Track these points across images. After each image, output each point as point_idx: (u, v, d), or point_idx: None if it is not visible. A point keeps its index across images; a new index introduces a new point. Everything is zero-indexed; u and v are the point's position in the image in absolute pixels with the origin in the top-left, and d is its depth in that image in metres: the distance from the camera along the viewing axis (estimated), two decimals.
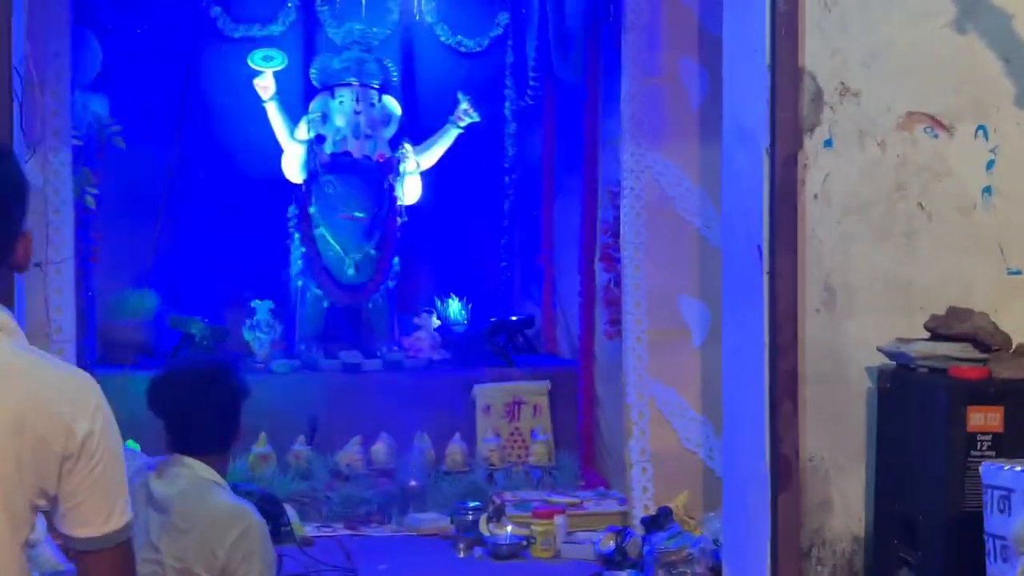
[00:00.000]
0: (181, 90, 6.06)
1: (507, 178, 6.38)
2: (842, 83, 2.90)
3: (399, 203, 5.50)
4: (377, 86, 5.66)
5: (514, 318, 5.94)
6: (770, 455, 2.89)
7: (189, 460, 2.38)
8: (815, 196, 2.91)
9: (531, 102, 6.14)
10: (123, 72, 5.81)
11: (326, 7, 6.24)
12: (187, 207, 6.03)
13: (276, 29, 6.18)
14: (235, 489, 2.47)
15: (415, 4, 6.21)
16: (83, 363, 5.04)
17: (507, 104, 6.38)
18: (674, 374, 4.06)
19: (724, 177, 3.29)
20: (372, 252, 5.28)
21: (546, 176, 6.04)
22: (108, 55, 5.66)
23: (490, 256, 6.28)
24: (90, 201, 4.34)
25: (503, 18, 6.42)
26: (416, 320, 5.59)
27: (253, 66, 5.59)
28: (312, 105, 5.61)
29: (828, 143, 2.89)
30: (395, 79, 5.80)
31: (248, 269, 5.86)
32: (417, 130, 6.06)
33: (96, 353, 5.30)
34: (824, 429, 2.85)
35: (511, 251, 6.38)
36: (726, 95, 3.26)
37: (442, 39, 6.35)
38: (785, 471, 2.87)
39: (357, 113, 5.53)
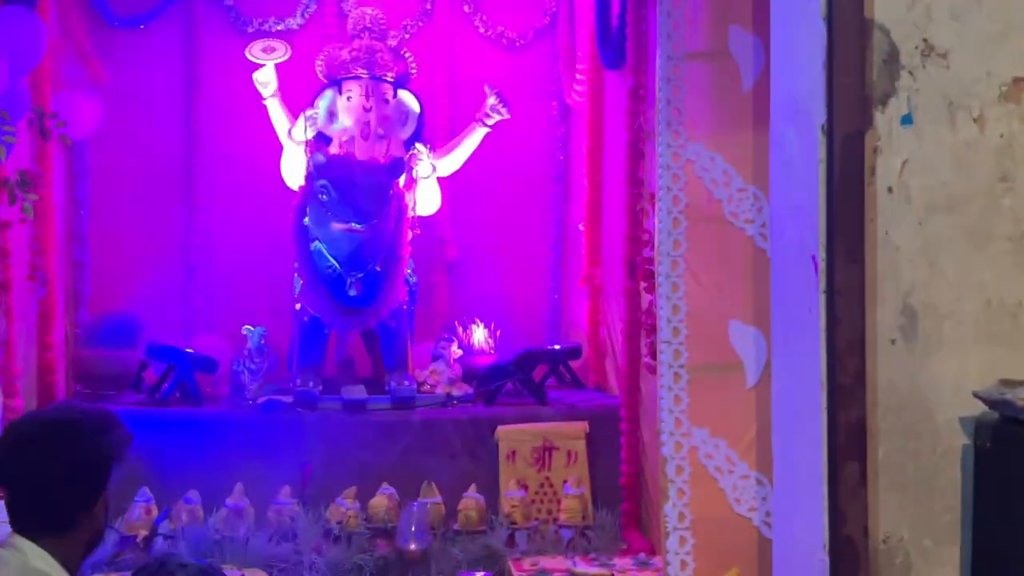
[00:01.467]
0: (185, 91, 5.94)
1: (553, 186, 6.17)
2: (925, 40, 2.46)
3: (411, 213, 5.16)
4: (391, 79, 5.34)
5: (557, 347, 5.62)
6: (830, 534, 2.45)
7: (21, 542, 1.99)
8: (889, 189, 2.46)
9: (579, 99, 5.73)
10: (121, 72, 5.68)
11: None
12: (188, 219, 5.90)
13: (295, 23, 5.98)
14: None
15: None
16: (48, 399, 4.78)
17: (554, 102, 6.16)
18: (722, 420, 3.57)
19: (772, 167, 2.82)
20: (377, 270, 4.92)
21: (592, 181, 5.62)
22: (105, 54, 5.50)
23: (525, 275, 6.04)
24: (28, 210, 3.96)
25: (550, 6, 6.16)
26: (433, 350, 5.26)
27: (251, 58, 5.29)
28: (318, 102, 5.32)
29: (906, 119, 2.46)
30: (414, 71, 5.49)
31: (252, 290, 5.68)
32: (448, 133, 5.87)
33: (66, 388, 5.09)
34: (902, 500, 2.44)
35: (555, 268, 6.13)
36: (774, 60, 2.81)
37: (480, 30, 6.15)
38: (850, 556, 2.43)
39: (367, 110, 5.22)
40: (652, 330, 4.07)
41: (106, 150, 5.69)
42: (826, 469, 2.44)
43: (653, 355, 4.08)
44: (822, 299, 2.48)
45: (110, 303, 5.51)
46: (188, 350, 5.01)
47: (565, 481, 4.72)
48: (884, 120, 2.44)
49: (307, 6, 5.99)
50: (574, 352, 5.55)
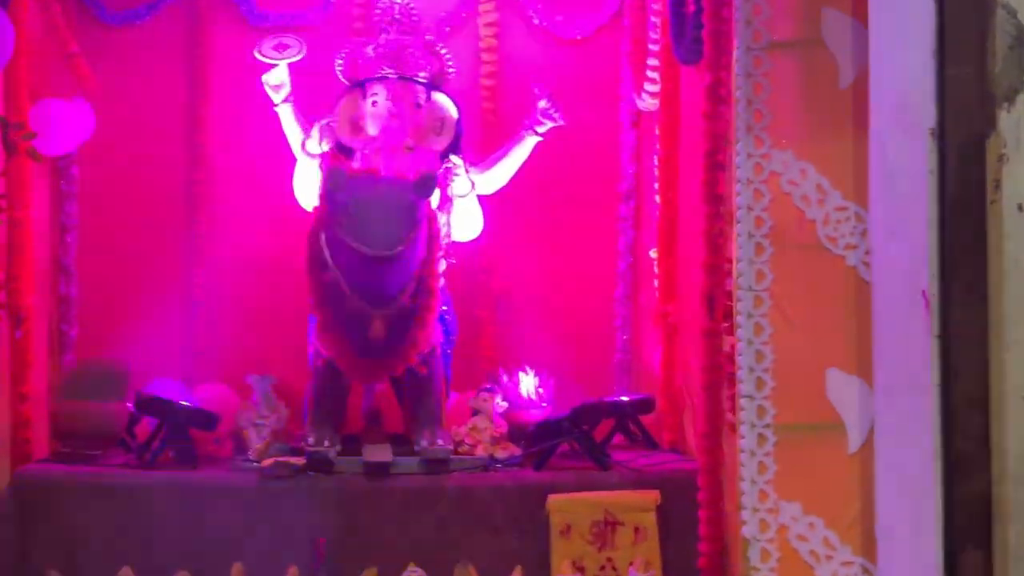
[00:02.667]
0: (189, 97, 6.03)
1: (623, 205, 6.15)
2: None
3: (446, 238, 5.14)
4: (424, 80, 5.33)
5: (623, 398, 5.56)
6: None
7: None
8: (1019, 207, 2.40)
9: (650, 101, 5.69)
10: (116, 76, 5.78)
11: None
12: (191, 247, 5.97)
13: (314, 16, 6.09)
14: None
15: None
16: (23, 457, 4.81)
17: (621, 105, 6.14)
18: (818, 493, 3.51)
19: (872, 181, 2.71)
20: (405, 305, 4.88)
21: (666, 199, 5.57)
22: (96, 55, 5.58)
23: (585, 311, 6.00)
24: None
25: None
26: (472, 402, 5.18)
27: (261, 58, 5.35)
28: (337, 108, 5.35)
29: None
30: (451, 71, 5.49)
31: (263, 330, 5.75)
32: (492, 142, 5.86)
33: (48, 446, 5.13)
34: None
35: (622, 304, 6.10)
36: (874, 49, 2.75)
37: (534, 20, 6.17)
38: None
39: (394, 117, 5.21)
40: (735, 380, 3.97)
41: (97, 167, 5.77)
42: (941, 557, 2.38)
43: (736, 412, 3.99)
44: (935, 345, 2.45)
45: (99, 346, 5.54)
46: (182, 403, 5.00)
47: (631, 563, 4.67)
48: (1010, 122, 2.37)
49: None
50: (644, 405, 5.50)
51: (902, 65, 2.51)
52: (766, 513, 3.52)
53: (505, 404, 5.23)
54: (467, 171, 5.30)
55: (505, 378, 5.46)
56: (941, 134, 2.41)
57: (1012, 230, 2.39)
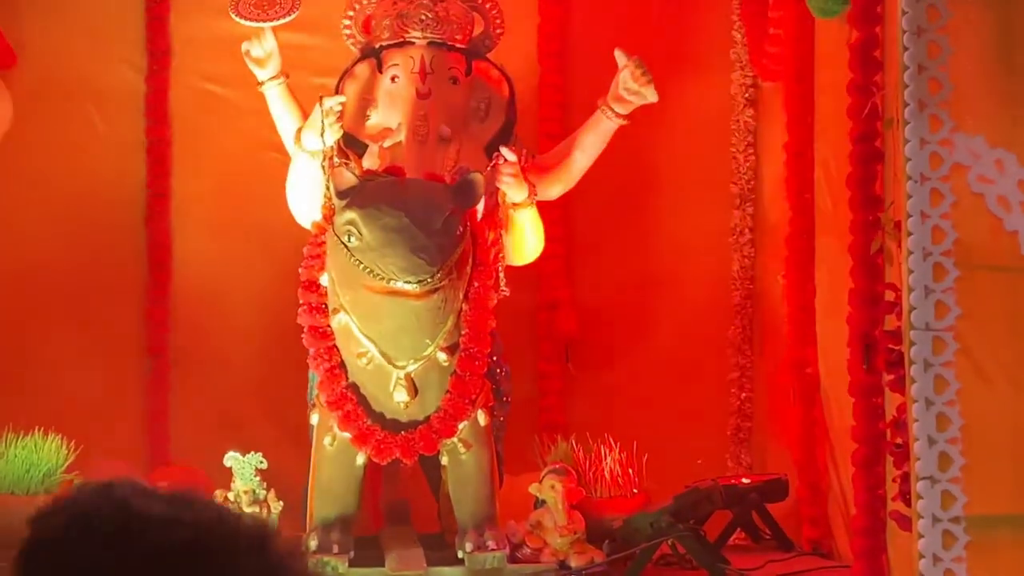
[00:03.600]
0: (140, 79, 6.15)
1: (738, 211, 6.20)
2: None
3: (497, 263, 5.12)
4: (463, 47, 5.35)
5: (745, 481, 5.56)
6: None
7: None
8: None
9: (774, 68, 5.72)
10: (44, 54, 5.92)
11: None
12: (149, 285, 6.08)
13: None
14: None
15: None
16: None
17: (734, 76, 6.25)
18: None
19: None
20: (441, 358, 4.86)
21: (797, 202, 5.60)
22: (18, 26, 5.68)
23: (688, 359, 6.04)
24: None
25: None
26: (534, 489, 5.11)
27: (239, 20, 5.41)
28: (345, 85, 5.36)
29: None
30: (500, 32, 5.51)
31: (247, 394, 5.86)
32: (561, 130, 5.97)
33: None
34: None
35: (740, 348, 6.17)
36: None
37: None
38: None
39: (423, 96, 5.21)
40: (905, 456, 3.98)
41: (15, 174, 5.85)
42: None
43: (907, 498, 3.99)
44: None
45: (24, 421, 5.51)
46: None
47: None
48: None
49: None
50: (774, 489, 5.49)
51: None
52: None
53: (581, 491, 5.19)
54: (524, 170, 5.26)
55: (580, 455, 5.42)
56: None
57: None
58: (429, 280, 4.66)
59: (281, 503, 4.96)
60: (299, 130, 5.24)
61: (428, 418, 4.88)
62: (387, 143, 5.23)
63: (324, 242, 4.88)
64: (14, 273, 5.82)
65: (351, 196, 4.74)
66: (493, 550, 4.88)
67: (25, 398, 5.68)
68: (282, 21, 5.36)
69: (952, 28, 3.60)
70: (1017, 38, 3.54)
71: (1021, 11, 3.53)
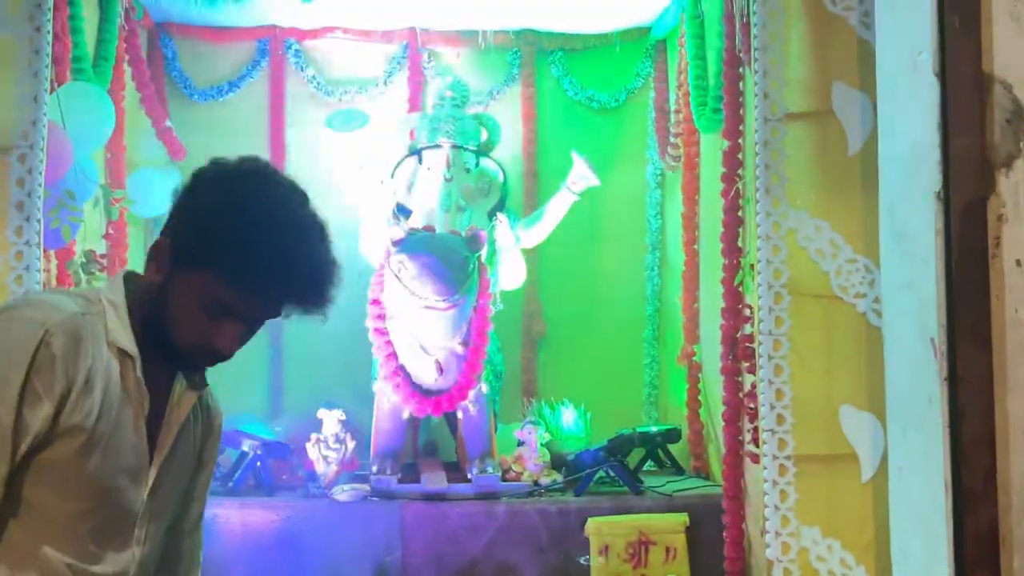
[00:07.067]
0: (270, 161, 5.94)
1: (648, 256, 6.09)
2: None
3: (494, 288, 5.04)
4: (474, 148, 5.29)
5: (654, 429, 5.37)
6: None
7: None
8: (1017, 263, 2.29)
9: (674, 163, 5.63)
10: (203, 147, 5.70)
11: (433, 63, 6.03)
12: None
13: (377, 91, 6.09)
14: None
15: (537, 57, 6.12)
16: None
17: (648, 167, 6.12)
18: (835, 518, 3.33)
19: (883, 238, 2.59)
20: (458, 350, 4.76)
21: (689, 250, 5.49)
22: (186, 128, 5.62)
23: (619, 351, 5.93)
24: None
25: (643, 67, 6.11)
26: (517, 434, 5.03)
27: (332, 129, 5.32)
28: (398, 171, 5.31)
29: None
30: (498, 138, 5.43)
31: (337, 370, 5.64)
32: (534, 201, 5.91)
33: None
34: None
35: (651, 344, 6.05)
36: (882, 120, 2.61)
37: (570, 94, 6.17)
38: None
39: (448, 180, 5.16)
40: (754, 415, 3.83)
41: None
42: None
43: (756, 442, 3.83)
44: (944, 387, 2.28)
45: None
46: (260, 436, 4.91)
47: None
48: (1009, 185, 2.25)
49: (390, 74, 6.03)
50: (672, 435, 5.31)
51: (909, 136, 2.39)
52: (788, 536, 3.34)
53: (547, 436, 5.11)
54: (512, 227, 5.23)
55: (547, 412, 5.34)
56: (946, 197, 2.26)
57: (1011, 283, 2.25)
58: (450, 299, 4.60)
59: (355, 442, 4.85)
60: (370, 203, 5.24)
61: (450, 388, 4.78)
62: (424, 210, 5.19)
63: (383, 273, 4.80)
64: None
65: (401, 244, 4.72)
66: (491, 474, 4.79)
67: None
68: (358, 130, 5.38)
69: (788, 141, 3.48)
70: (827, 148, 3.41)
71: (829, 132, 3.38)
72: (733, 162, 4.35)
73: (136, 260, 5.25)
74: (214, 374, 1.95)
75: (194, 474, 2.03)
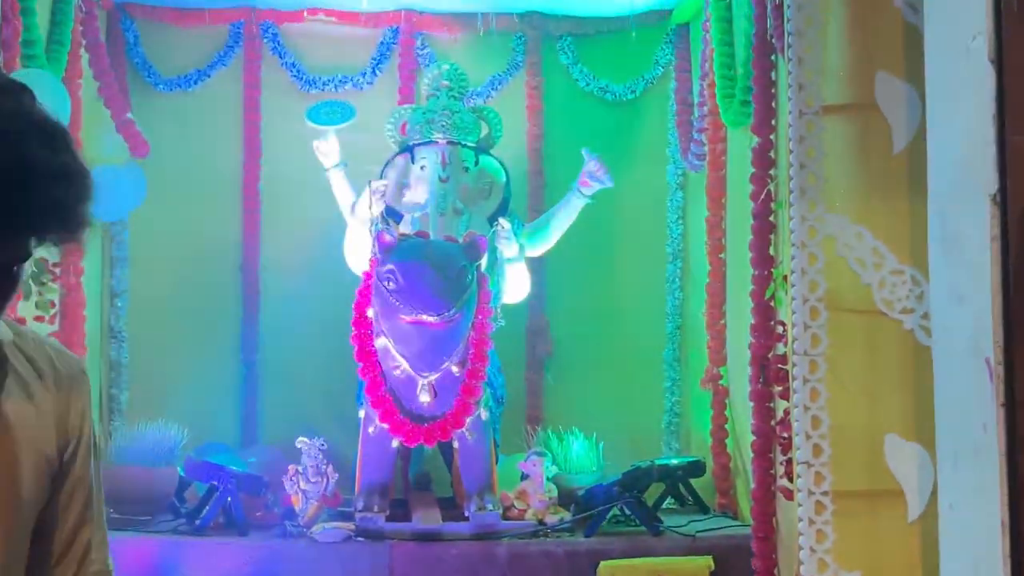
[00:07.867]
0: (240, 162, 6.08)
1: (669, 266, 6.15)
2: None
3: (495, 301, 5.05)
4: (473, 145, 5.31)
5: (674, 462, 5.42)
6: None
7: None
8: None
9: (697, 162, 5.67)
10: (169, 142, 5.83)
11: (427, 49, 6.08)
12: (245, 310, 6.00)
13: (364, 80, 6.15)
14: None
15: (544, 43, 6.16)
16: None
17: (668, 166, 6.18)
18: (878, 562, 3.33)
19: (932, 247, 2.61)
20: (454, 370, 4.78)
21: (714, 260, 5.54)
22: (150, 122, 5.65)
23: (635, 374, 5.99)
24: (42, 305, 3.98)
25: (663, 55, 6.17)
26: (520, 466, 5.05)
27: (312, 124, 5.36)
28: (387, 172, 5.34)
29: None
30: (500, 134, 5.45)
31: (316, 394, 5.76)
32: (541, 205, 5.95)
33: None
34: None
35: (672, 366, 6.11)
36: (931, 113, 2.64)
37: (581, 84, 6.20)
38: None
39: (443, 181, 5.18)
40: (788, 446, 3.88)
41: (149, 232, 5.81)
42: None
43: (790, 477, 3.86)
44: (1000, 414, 2.31)
45: (150, 410, 5.48)
46: (232, 467, 4.91)
47: None
48: None
49: (378, 62, 6.07)
50: (695, 468, 5.36)
51: (961, 132, 2.41)
52: None
53: (555, 468, 5.12)
54: (515, 233, 5.24)
55: (555, 442, 5.35)
56: (1003, 200, 2.28)
57: None
58: (445, 314, 4.59)
59: (337, 474, 4.84)
60: (353, 204, 5.26)
61: (444, 414, 4.78)
62: (417, 214, 5.19)
63: (370, 285, 4.80)
64: (152, 300, 5.81)
65: (390, 252, 4.73)
66: (491, 511, 4.81)
67: (154, 393, 5.64)
68: (342, 125, 5.40)
69: (825, 137, 3.47)
70: (869, 146, 3.40)
71: (871, 127, 3.41)
72: (764, 161, 4.41)
73: (93, 268, 5.28)
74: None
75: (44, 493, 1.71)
